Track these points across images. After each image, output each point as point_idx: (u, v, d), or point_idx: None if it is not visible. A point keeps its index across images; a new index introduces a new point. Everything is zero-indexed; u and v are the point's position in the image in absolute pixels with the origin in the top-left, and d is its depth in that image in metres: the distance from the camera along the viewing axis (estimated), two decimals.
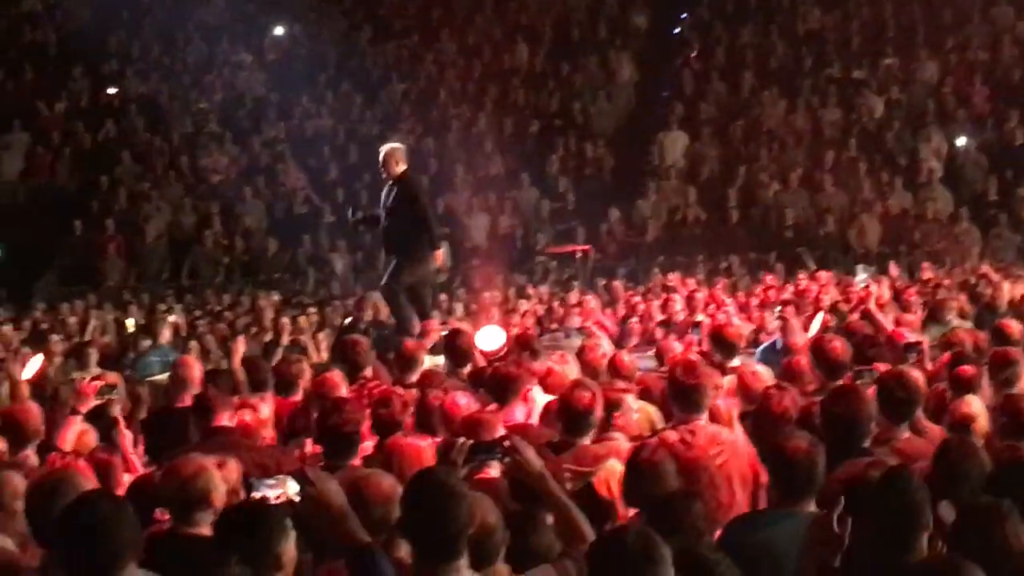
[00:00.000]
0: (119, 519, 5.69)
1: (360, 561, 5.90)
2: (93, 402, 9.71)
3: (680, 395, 8.37)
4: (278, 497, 6.13)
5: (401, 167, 15.05)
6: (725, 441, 8.11)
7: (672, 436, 8.13)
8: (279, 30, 31.93)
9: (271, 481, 6.23)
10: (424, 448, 8.13)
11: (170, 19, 30.64)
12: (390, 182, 15.05)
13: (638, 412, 9.13)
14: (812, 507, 6.76)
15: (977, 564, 5.34)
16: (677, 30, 30.54)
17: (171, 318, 20.60)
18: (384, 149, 15.25)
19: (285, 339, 17.96)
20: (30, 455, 8.86)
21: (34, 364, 13.13)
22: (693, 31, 30.23)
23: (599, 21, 30.35)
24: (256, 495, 6.15)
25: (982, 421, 8.13)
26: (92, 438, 9.00)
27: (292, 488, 6.15)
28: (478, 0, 28.79)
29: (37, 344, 17.56)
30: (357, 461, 8.07)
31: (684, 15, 30.56)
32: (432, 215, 15.18)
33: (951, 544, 5.82)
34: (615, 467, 7.84)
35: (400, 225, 15.02)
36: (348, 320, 18.88)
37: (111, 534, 5.64)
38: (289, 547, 5.93)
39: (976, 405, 8.24)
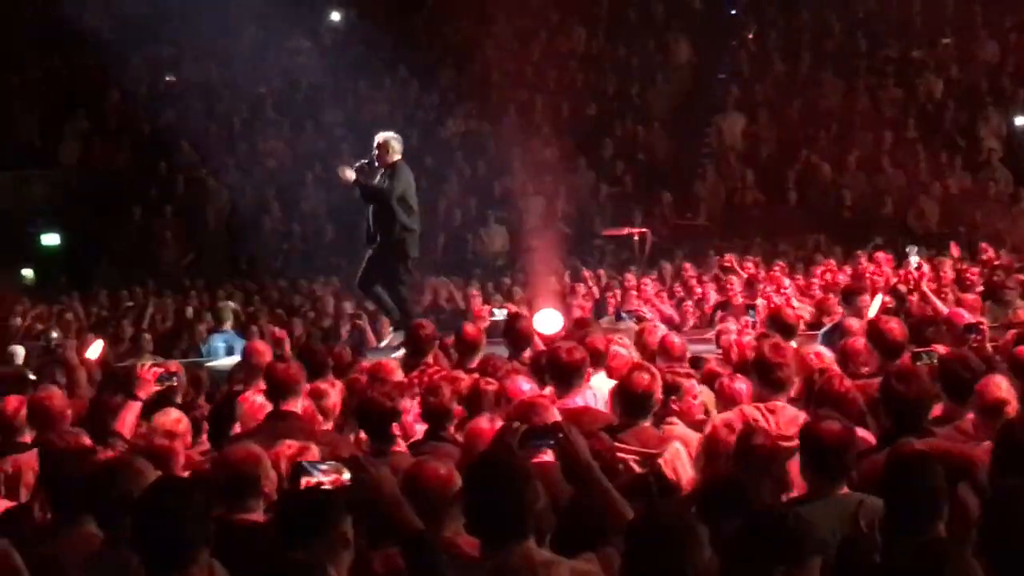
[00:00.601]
0: (193, 506, 5.72)
1: (415, 548, 5.90)
2: (153, 388, 9.75)
3: (764, 373, 8.36)
4: (332, 482, 6.13)
5: (394, 156, 15.09)
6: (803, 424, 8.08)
7: (752, 413, 8.12)
8: (335, 15, 31.98)
9: (324, 466, 6.23)
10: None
11: (226, 5, 30.72)
12: (382, 170, 15.12)
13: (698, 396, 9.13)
14: (844, 490, 6.76)
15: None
16: (733, 11, 30.35)
17: (231, 304, 20.69)
18: (379, 137, 15.30)
19: (345, 325, 18.03)
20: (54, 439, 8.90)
21: (95, 349, 13.21)
22: (750, 12, 30.05)
23: (656, 3, 30.21)
24: (310, 480, 6.15)
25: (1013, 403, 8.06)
26: (185, 425, 9.01)
27: (345, 475, 6.15)
28: None
29: (98, 330, 17.68)
30: (403, 447, 8.07)
31: None
32: (402, 206, 15.01)
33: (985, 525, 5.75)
34: (680, 450, 7.84)
35: (379, 213, 15.10)
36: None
37: (188, 521, 5.66)
38: (348, 531, 5.93)
39: (1004, 386, 8.13)
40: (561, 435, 6.71)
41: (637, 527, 5.48)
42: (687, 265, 21.42)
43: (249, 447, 6.97)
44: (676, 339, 10.92)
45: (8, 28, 28.19)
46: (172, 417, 9.03)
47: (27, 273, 25.79)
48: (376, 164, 15.20)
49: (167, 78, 29.80)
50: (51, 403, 9.18)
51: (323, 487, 6.11)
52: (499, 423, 8.15)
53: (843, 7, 28.79)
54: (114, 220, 25.75)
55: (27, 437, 9.09)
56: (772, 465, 7.15)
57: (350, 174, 15.17)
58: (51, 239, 26.21)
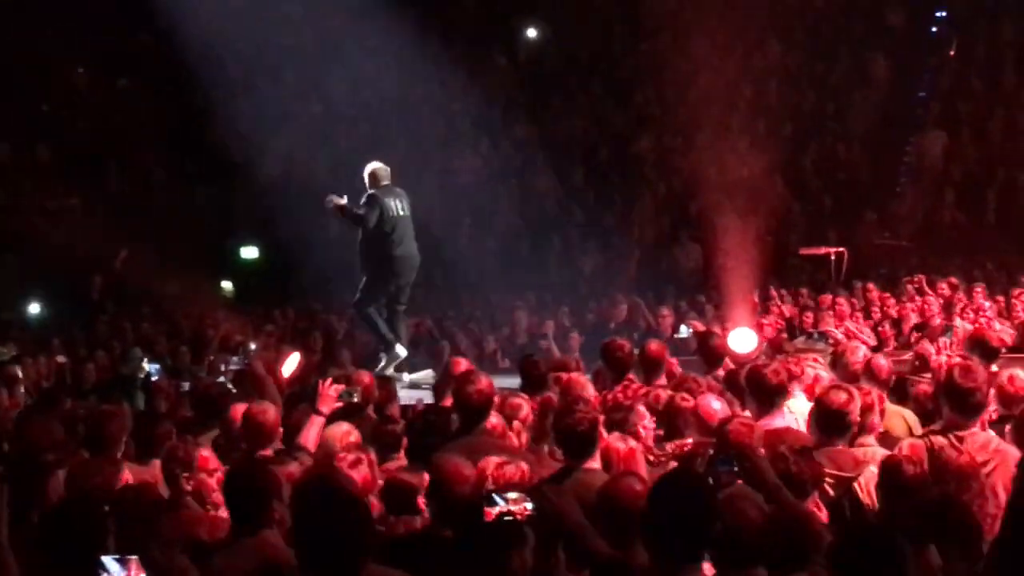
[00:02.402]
0: (356, 519, 5.77)
1: (610, 571, 5.88)
2: (335, 404, 9.85)
3: (954, 398, 8.19)
4: (519, 512, 6.13)
5: (380, 183, 15.95)
6: (996, 450, 7.90)
7: (940, 441, 7.96)
8: (531, 32, 32.13)
9: (513, 496, 6.23)
10: (635, 450, 8.12)
11: (423, 22, 31.05)
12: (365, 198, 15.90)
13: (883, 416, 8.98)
14: None
15: None
16: (934, 28, 29.86)
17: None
18: (368, 168, 16.17)
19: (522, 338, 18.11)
20: (268, 455, 9.01)
21: (292, 362, 13.33)
22: (951, 28, 29.54)
23: (854, 19, 29.85)
24: (496, 510, 6.15)
25: None
26: (355, 438, 9.11)
27: (528, 504, 6.15)
28: (730, 0, 28.49)
29: (295, 343, 17.91)
30: (596, 463, 8.04)
31: (941, 12, 29.87)
32: (379, 233, 15.74)
33: None
34: (875, 472, 7.71)
35: (363, 240, 16.03)
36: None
37: (349, 534, 5.73)
38: (527, 560, 5.94)
39: None
40: (748, 462, 6.65)
41: (841, 547, 5.41)
42: (872, 286, 21.10)
43: (470, 467, 6.98)
44: (882, 361, 10.75)
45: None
46: (342, 430, 9.13)
47: (226, 286, 26.25)
48: (369, 191, 15.96)
49: (362, 94, 30.13)
50: (264, 419, 9.30)
51: (508, 517, 6.12)
52: (632, 443, 8.13)
53: None
54: (311, 232, 26.09)
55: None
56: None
57: (339, 200, 15.89)
58: (250, 252, 26.65)
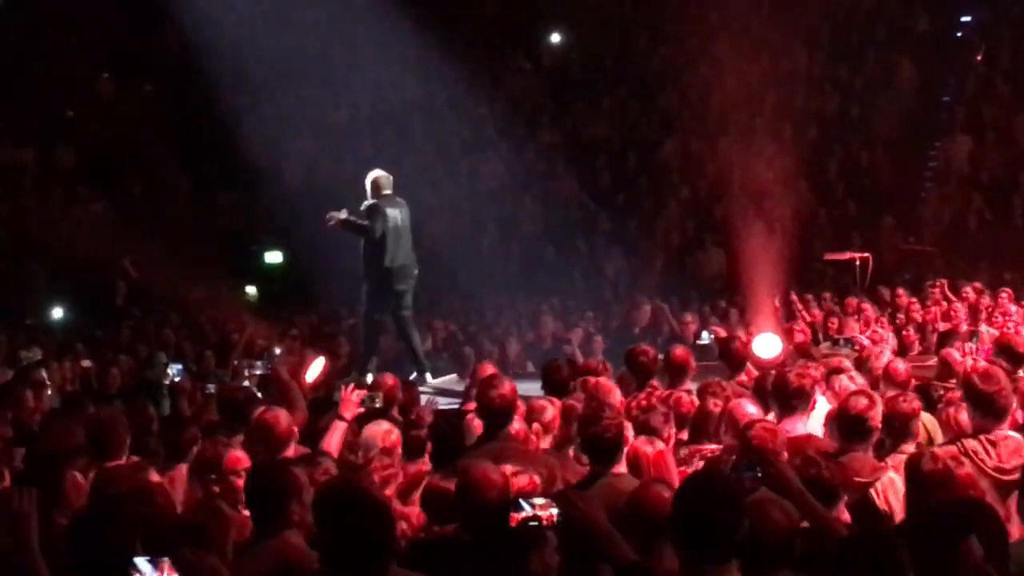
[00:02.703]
0: (379, 523, 5.79)
1: None
2: (358, 410, 9.86)
3: (979, 403, 8.18)
4: (546, 519, 6.13)
5: (382, 193, 16.15)
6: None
7: (972, 445, 7.95)
8: (555, 36, 32.14)
9: (540, 501, 6.23)
10: (663, 452, 8.11)
11: (445, 26, 31.07)
12: (367, 208, 16.16)
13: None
14: None
15: None
16: (960, 33, 29.77)
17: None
18: (370, 176, 16.35)
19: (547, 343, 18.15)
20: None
21: (316, 367, 13.34)
22: (976, 33, 29.45)
23: (879, 23, 29.79)
24: (522, 515, 6.16)
25: None
26: (395, 437, 9.12)
27: (554, 509, 6.16)
28: (756, 3, 28.44)
29: (317, 346, 17.93)
30: (622, 468, 8.02)
31: (967, 18, 29.79)
32: (380, 242, 16.02)
33: None
34: (895, 479, 7.67)
35: (365, 249, 16.36)
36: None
37: (373, 538, 5.75)
38: (549, 563, 5.94)
39: None
40: (771, 468, 6.64)
41: (842, 550, 5.43)
42: (900, 292, 21.07)
43: (499, 472, 6.97)
44: (901, 366, 10.73)
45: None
46: (383, 428, 9.11)
47: (250, 290, 26.30)
48: (370, 201, 16.17)
49: (387, 98, 30.15)
50: (275, 424, 9.28)
51: (533, 523, 6.12)
52: (660, 446, 8.11)
53: None
54: (336, 238, 26.10)
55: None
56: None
57: (340, 215, 16.22)
58: (274, 257, 26.70)
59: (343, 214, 16.25)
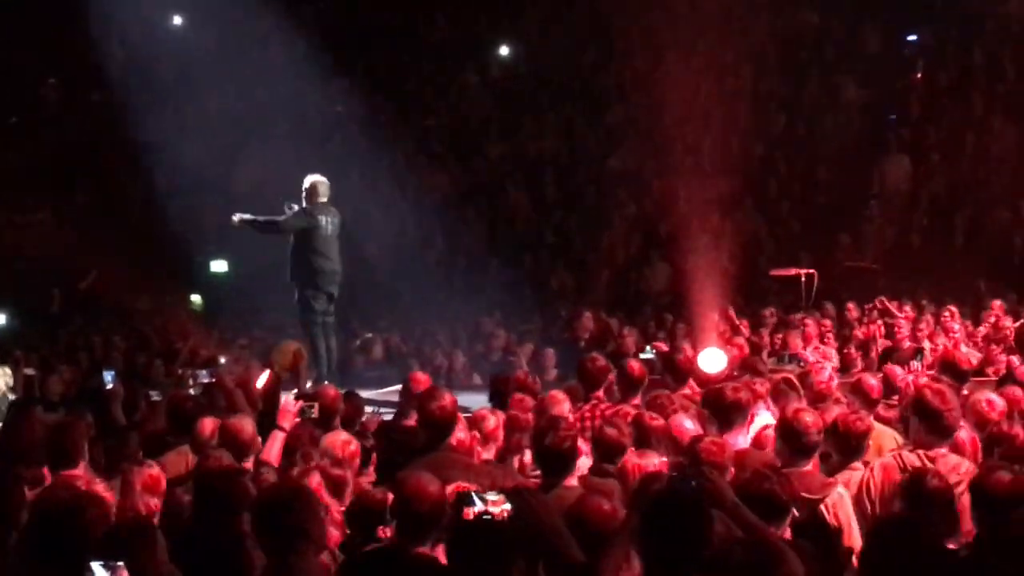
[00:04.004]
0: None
1: None
2: (295, 420, 9.91)
3: (928, 419, 8.25)
4: (498, 514, 6.15)
5: (318, 199, 16.62)
6: (966, 473, 7.95)
7: (912, 460, 8.01)
8: (504, 50, 32.18)
9: (493, 497, 6.25)
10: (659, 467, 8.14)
11: (394, 37, 31.08)
12: (301, 208, 16.58)
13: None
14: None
15: None
16: (906, 51, 29.97)
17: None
18: (307, 180, 16.80)
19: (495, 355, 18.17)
20: (249, 468, 9.02)
21: (262, 380, 13.36)
22: (920, 53, 29.65)
23: (825, 43, 29.97)
24: (475, 510, 6.17)
25: None
26: (354, 448, 9.19)
27: (507, 505, 6.18)
28: (704, 21, 28.55)
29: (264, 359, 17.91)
30: (574, 480, 8.06)
31: (912, 36, 30.00)
32: (306, 243, 16.54)
33: None
34: (844, 495, 7.73)
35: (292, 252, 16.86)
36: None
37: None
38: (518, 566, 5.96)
39: None
40: (708, 482, 6.68)
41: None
42: (850, 307, 21.21)
43: (429, 479, 6.98)
44: (872, 381, 10.87)
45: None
46: (342, 439, 9.15)
47: (195, 299, 26.20)
48: (305, 205, 16.57)
49: (337, 108, 30.12)
50: (241, 431, 9.33)
51: (486, 517, 6.14)
52: (656, 461, 8.15)
53: (1018, 48, 28.25)
54: (282, 247, 26.04)
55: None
56: (946, 508, 7.06)
57: (243, 216, 16.77)
58: (219, 266, 26.59)
59: (246, 215, 16.81)
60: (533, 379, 12.46)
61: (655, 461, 8.24)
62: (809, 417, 8.32)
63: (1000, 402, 9.55)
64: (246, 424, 9.46)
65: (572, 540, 6.22)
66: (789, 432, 8.28)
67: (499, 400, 11.23)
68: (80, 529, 6.35)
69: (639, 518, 5.95)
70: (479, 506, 6.18)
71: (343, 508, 7.99)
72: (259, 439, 9.54)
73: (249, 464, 9.14)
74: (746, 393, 9.32)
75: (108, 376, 15.57)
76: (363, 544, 7.40)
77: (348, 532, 7.78)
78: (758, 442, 9.27)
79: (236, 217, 16.78)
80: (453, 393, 9.33)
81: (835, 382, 11.06)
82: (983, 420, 9.06)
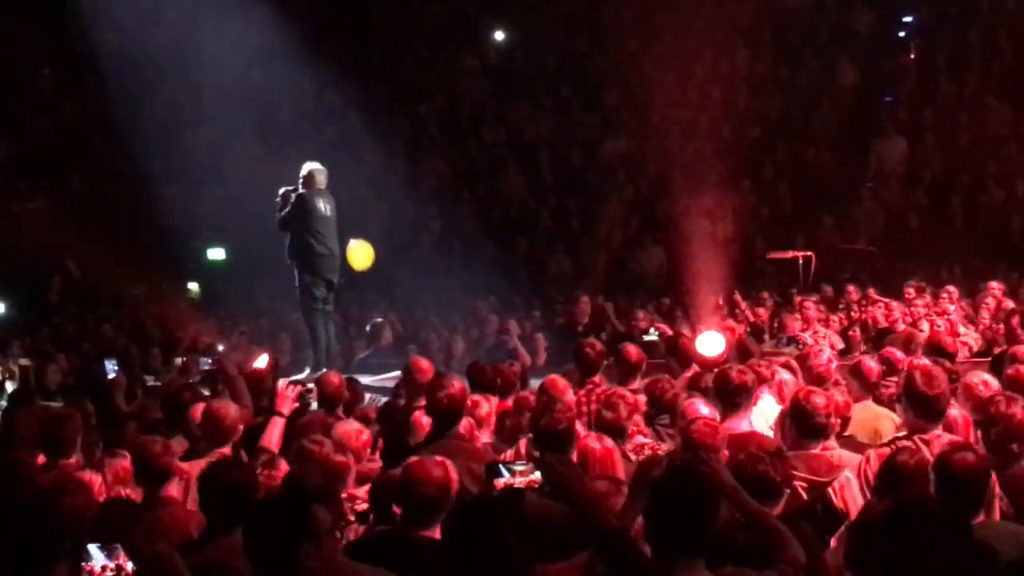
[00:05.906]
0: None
1: (614, 542, 5.90)
2: (294, 405, 9.89)
3: (918, 404, 8.22)
4: (527, 484, 6.16)
5: (316, 186, 16.65)
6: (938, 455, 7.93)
7: (906, 446, 7.99)
8: (500, 34, 32.13)
9: (521, 467, 6.24)
10: (611, 450, 8.14)
11: (392, 23, 31.00)
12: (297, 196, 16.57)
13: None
14: (980, 519, 6.76)
15: None
16: (902, 33, 29.93)
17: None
18: (305, 168, 16.81)
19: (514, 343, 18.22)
20: (226, 453, 9.01)
21: (261, 363, 13.36)
22: (916, 34, 29.61)
23: (821, 24, 29.93)
24: (501, 481, 6.16)
25: None
26: (366, 438, 9.19)
27: (536, 474, 6.18)
28: (698, 3, 28.49)
29: (263, 344, 17.92)
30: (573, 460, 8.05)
31: (908, 17, 29.96)
32: (306, 230, 16.59)
33: None
34: (851, 479, 7.72)
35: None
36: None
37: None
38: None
39: None
40: (704, 466, 6.67)
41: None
42: (851, 289, 21.17)
43: (436, 463, 6.97)
44: (872, 364, 10.84)
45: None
46: (354, 428, 9.14)
47: (192, 287, 26.14)
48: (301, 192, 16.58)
49: (329, 96, 30.05)
50: (223, 416, 9.30)
51: (516, 487, 6.14)
52: (608, 443, 8.14)
53: (1014, 28, 28.21)
54: (280, 235, 25.99)
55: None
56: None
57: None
58: (216, 253, 26.54)
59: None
60: (511, 365, 12.45)
61: (608, 444, 8.24)
62: (819, 399, 8.29)
63: (994, 382, 9.54)
64: (230, 409, 9.41)
65: (599, 506, 6.23)
66: (798, 413, 8.25)
67: (480, 389, 11.16)
68: (62, 515, 6.33)
69: (647, 500, 5.92)
70: (507, 477, 6.18)
71: (344, 494, 7.97)
72: (240, 428, 9.50)
73: (227, 450, 9.10)
74: (751, 376, 9.30)
75: (109, 365, 15.54)
76: (383, 522, 7.42)
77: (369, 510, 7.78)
78: None
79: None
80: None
81: (834, 365, 10.98)
82: (978, 401, 9.03)
